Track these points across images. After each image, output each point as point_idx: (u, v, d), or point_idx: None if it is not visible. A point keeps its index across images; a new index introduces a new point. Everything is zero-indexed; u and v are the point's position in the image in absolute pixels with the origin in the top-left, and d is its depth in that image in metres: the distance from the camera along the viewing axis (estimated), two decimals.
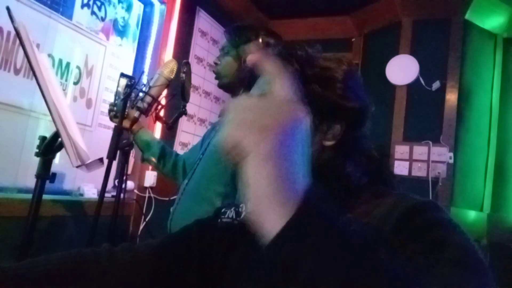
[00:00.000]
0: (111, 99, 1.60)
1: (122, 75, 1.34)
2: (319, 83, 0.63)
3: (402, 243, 0.50)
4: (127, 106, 1.33)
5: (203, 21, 2.66)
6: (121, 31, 2.16)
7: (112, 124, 1.46)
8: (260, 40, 1.30)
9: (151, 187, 2.22)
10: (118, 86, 1.33)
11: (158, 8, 2.35)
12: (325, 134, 0.64)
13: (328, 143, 0.64)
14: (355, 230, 0.53)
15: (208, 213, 0.79)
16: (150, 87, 1.34)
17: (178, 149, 2.47)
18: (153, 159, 1.47)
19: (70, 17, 1.82)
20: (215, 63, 1.38)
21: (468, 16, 2.60)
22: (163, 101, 1.43)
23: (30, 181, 1.57)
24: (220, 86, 1.39)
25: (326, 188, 0.62)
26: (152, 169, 2.17)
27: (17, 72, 1.59)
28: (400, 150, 2.62)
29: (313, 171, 0.62)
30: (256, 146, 0.38)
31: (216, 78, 1.38)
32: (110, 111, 1.37)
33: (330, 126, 0.64)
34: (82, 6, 1.88)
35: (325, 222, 0.58)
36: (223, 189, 1.20)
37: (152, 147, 1.45)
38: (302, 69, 0.63)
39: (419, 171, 2.56)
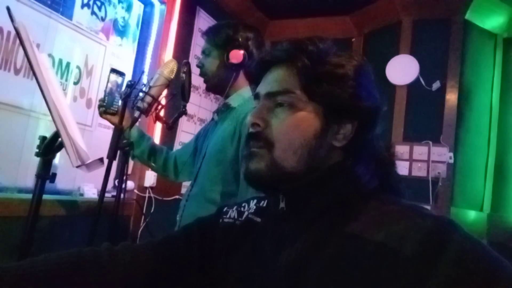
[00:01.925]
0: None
1: (112, 70, 1.32)
2: (330, 81, 0.60)
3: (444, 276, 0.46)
4: (121, 105, 1.32)
5: (203, 21, 2.66)
6: (121, 31, 2.16)
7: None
8: (239, 35, 1.30)
9: (151, 187, 2.22)
10: (108, 82, 1.33)
11: (158, 8, 2.35)
12: (336, 134, 0.61)
13: (339, 143, 0.62)
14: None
15: None
16: (150, 87, 1.34)
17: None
18: (143, 156, 1.47)
19: (70, 17, 1.82)
20: (198, 66, 1.37)
21: (468, 16, 2.60)
22: (163, 101, 1.42)
23: (30, 181, 1.57)
24: (209, 88, 1.39)
25: (334, 190, 0.60)
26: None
27: (17, 72, 1.59)
28: (400, 150, 2.61)
29: (322, 173, 0.61)
30: None
31: (204, 81, 1.38)
32: (99, 106, 1.35)
33: (341, 126, 0.61)
34: (82, 6, 1.88)
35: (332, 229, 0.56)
36: (227, 189, 1.20)
37: (142, 144, 1.45)
38: (312, 65, 0.61)
39: (419, 171, 2.55)
